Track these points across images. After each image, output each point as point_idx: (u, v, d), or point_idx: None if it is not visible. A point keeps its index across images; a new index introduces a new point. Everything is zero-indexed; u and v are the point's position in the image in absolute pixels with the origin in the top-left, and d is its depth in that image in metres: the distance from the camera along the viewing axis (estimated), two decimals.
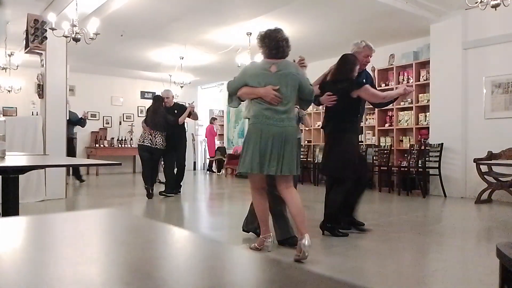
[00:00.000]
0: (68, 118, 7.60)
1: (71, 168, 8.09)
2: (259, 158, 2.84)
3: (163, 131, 6.35)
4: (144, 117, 6.73)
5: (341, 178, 3.64)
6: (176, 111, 6.52)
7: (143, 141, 6.36)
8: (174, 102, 6.74)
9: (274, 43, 2.91)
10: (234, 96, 3.06)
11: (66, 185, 6.29)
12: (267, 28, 3.02)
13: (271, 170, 2.85)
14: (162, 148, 6.36)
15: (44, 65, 6.05)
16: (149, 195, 6.15)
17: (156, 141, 6.32)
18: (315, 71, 4.29)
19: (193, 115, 6.75)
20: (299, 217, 2.85)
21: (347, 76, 3.67)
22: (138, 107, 12.05)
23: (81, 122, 8.12)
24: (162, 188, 6.60)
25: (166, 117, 6.42)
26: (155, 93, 10.38)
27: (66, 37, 4.97)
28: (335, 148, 3.67)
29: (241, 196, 6.56)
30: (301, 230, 2.81)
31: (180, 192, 6.66)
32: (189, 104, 6.83)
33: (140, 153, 6.52)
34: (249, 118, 3.06)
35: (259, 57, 7.47)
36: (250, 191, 3.11)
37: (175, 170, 6.57)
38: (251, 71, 3.03)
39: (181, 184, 6.67)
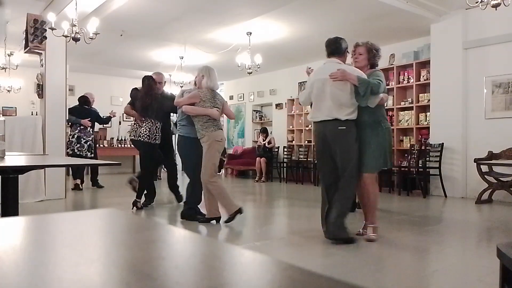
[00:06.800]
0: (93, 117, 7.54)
1: (89, 171, 7.76)
2: None
3: (155, 119, 4.90)
4: (129, 102, 5.27)
5: None
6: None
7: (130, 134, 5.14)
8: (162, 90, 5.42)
9: None
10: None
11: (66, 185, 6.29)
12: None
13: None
14: (149, 141, 4.89)
15: (44, 65, 6.04)
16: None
17: (140, 132, 4.88)
18: None
19: None
20: None
21: None
22: None
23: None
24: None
25: (163, 102, 4.88)
26: None
27: (66, 37, 4.97)
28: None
29: (242, 197, 6.55)
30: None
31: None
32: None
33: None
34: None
35: (258, 58, 7.52)
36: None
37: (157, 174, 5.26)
38: None
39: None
